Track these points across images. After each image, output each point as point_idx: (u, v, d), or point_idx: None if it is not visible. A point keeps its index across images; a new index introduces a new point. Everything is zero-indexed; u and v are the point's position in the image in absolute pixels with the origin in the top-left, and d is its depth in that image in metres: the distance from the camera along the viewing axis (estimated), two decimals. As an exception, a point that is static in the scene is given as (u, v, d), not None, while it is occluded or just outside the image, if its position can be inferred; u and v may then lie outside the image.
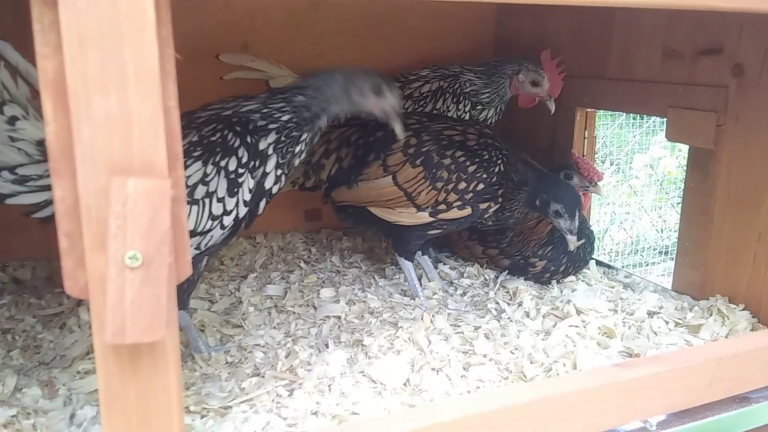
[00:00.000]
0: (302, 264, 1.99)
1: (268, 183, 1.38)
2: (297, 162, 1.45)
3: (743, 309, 1.60)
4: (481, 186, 1.67)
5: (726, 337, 1.52)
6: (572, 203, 1.65)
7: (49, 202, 1.19)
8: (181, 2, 0.73)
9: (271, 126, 1.38)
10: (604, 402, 1.07)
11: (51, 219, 1.19)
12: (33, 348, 1.44)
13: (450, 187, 1.66)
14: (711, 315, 1.60)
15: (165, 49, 0.65)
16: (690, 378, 1.15)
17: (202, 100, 1.88)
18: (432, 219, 1.70)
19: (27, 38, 0.64)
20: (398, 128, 1.52)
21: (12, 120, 1.10)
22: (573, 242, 1.67)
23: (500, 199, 1.71)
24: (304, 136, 1.43)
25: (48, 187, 1.17)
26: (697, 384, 1.16)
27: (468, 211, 1.69)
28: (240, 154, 1.32)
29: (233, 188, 1.31)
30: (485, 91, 2.02)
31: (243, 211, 1.34)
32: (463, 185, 1.66)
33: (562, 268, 1.82)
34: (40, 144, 1.14)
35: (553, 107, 1.96)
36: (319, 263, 2.00)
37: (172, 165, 0.67)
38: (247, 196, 1.34)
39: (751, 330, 1.54)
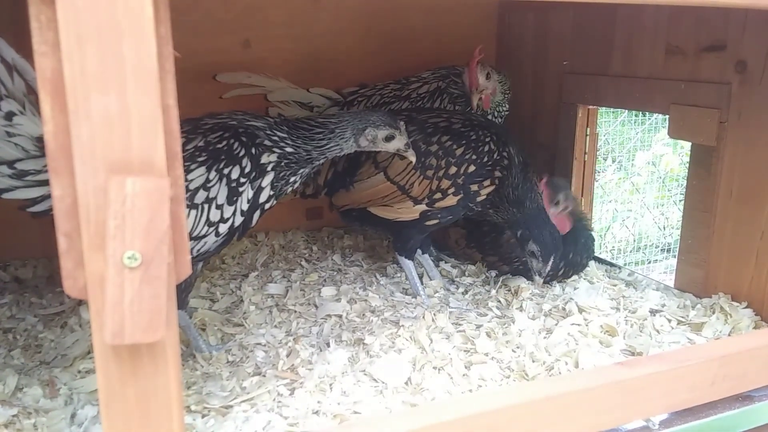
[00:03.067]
0: (303, 262, 1.98)
1: (262, 198, 1.40)
2: (289, 190, 1.47)
3: (746, 307, 1.59)
4: (472, 168, 1.64)
5: (729, 335, 1.51)
6: (550, 249, 1.63)
7: (45, 197, 1.19)
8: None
9: (275, 149, 1.40)
10: (606, 401, 1.07)
11: (45, 214, 1.20)
12: (34, 347, 1.44)
13: (441, 173, 1.64)
14: (713, 313, 1.59)
15: (164, 47, 0.65)
16: (692, 376, 1.14)
17: (203, 97, 1.88)
18: (429, 209, 1.68)
19: (25, 36, 0.63)
20: (412, 158, 1.57)
21: (9, 116, 1.10)
22: (539, 283, 1.68)
23: (497, 181, 1.67)
24: (302, 171, 1.46)
25: (45, 182, 1.17)
26: (700, 382, 1.15)
27: (461, 195, 1.67)
28: (243, 164, 1.34)
29: (233, 197, 1.32)
30: (462, 99, 2.00)
31: (239, 220, 1.35)
32: (453, 169, 1.64)
33: (561, 272, 1.82)
34: (39, 140, 1.14)
35: (474, 102, 1.92)
36: (321, 262, 2.00)
37: (170, 164, 0.67)
38: (245, 206, 1.35)
39: (754, 328, 1.53)
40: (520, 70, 2.29)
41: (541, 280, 1.69)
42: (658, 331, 1.54)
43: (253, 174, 1.36)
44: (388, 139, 1.51)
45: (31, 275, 1.85)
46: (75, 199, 0.64)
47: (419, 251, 1.87)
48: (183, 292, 1.40)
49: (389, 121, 1.50)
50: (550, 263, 1.64)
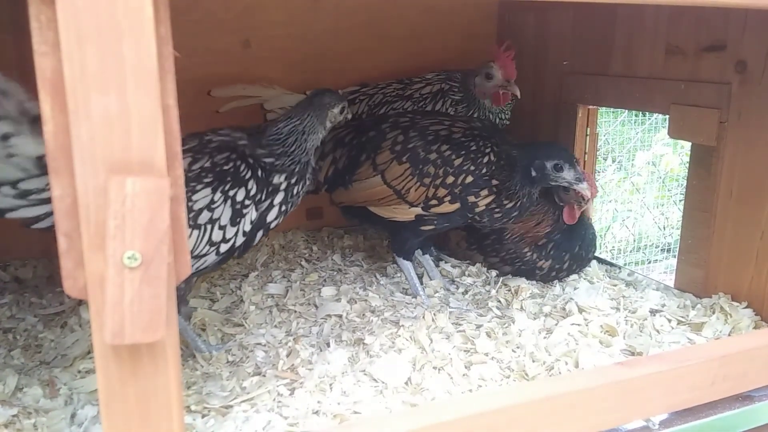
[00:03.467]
0: (303, 262, 1.98)
1: (270, 216, 1.41)
2: (298, 201, 1.51)
3: (746, 307, 1.59)
4: (470, 178, 1.64)
5: (729, 335, 1.51)
6: (564, 154, 1.64)
7: (48, 214, 1.19)
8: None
9: (279, 164, 1.44)
10: (606, 401, 1.07)
11: (49, 230, 1.20)
12: (34, 347, 1.44)
13: (438, 182, 1.64)
14: (713, 313, 1.59)
15: (164, 47, 0.65)
16: (692, 376, 1.14)
17: (203, 97, 1.88)
18: (424, 214, 1.69)
19: (25, 36, 0.63)
20: (349, 115, 1.64)
21: (5, 137, 1.09)
22: (584, 189, 1.65)
23: (494, 190, 1.66)
24: (306, 177, 1.50)
25: (48, 201, 1.17)
26: (700, 382, 1.16)
27: (458, 204, 1.66)
28: (249, 186, 1.35)
29: (236, 218, 1.33)
30: (463, 104, 2.01)
31: (240, 240, 1.36)
32: (451, 179, 1.64)
33: (566, 266, 1.82)
34: (39, 159, 1.14)
35: (516, 91, 1.92)
36: (321, 262, 2.00)
37: (170, 164, 0.67)
38: (248, 227, 1.36)
39: (754, 328, 1.53)
40: (520, 70, 2.28)
41: (585, 185, 1.64)
42: (658, 331, 1.54)
43: (259, 196, 1.37)
44: (342, 111, 1.58)
45: (31, 275, 1.85)
46: (75, 199, 0.64)
47: (419, 252, 1.87)
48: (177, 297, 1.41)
49: (336, 95, 1.56)
50: (577, 165, 1.63)
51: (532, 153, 1.66)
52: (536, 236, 1.84)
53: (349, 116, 1.64)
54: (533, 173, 1.64)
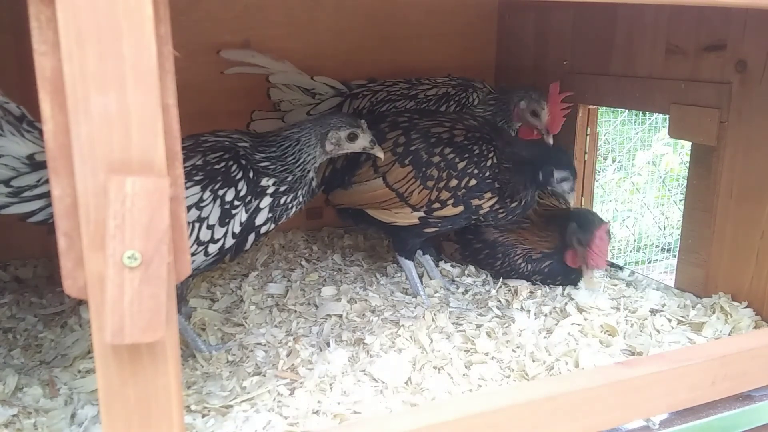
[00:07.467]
0: (304, 262, 1.98)
1: (259, 219, 1.40)
2: (292, 213, 1.49)
3: (746, 307, 1.59)
4: (473, 182, 1.64)
5: (729, 335, 1.51)
6: (572, 168, 1.70)
7: (43, 208, 1.19)
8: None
9: (272, 169, 1.41)
10: (607, 400, 1.07)
11: (44, 223, 1.20)
12: (34, 347, 1.44)
13: (441, 185, 1.64)
14: (714, 313, 1.59)
15: (163, 46, 0.64)
16: (692, 376, 1.14)
17: (203, 96, 1.88)
18: (427, 217, 1.69)
19: (25, 36, 0.63)
20: (380, 155, 1.58)
21: None
22: (572, 198, 1.73)
23: (498, 192, 1.67)
24: (299, 190, 1.47)
25: (42, 196, 1.17)
26: (700, 382, 1.15)
27: (462, 208, 1.67)
28: (239, 187, 1.34)
29: (225, 218, 1.33)
30: (494, 118, 2.00)
31: (230, 242, 1.36)
32: (454, 182, 1.64)
33: (557, 283, 1.81)
34: (28, 158, 1.14)
35: (550, 140, 1.95)
36: (321, 261, 2.00)
37: (170, 163, 0.67)
38: (237, 229, 1.36)
39: (754, 328, 1.53)
40: (520, 70, 2.29)
41: (573, 195, 1.73)
42: (658, 331, 1.54)
43: (249, 197, 1.36)
44: (352, 138, 1.51)
45: (31, 275, 1.85)
46: (75, 199, 0.64)
47: (419, 251, 1.87)
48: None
49: (349, 120, 1.50)
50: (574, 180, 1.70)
51: (544, 158, 1.69)
52: (532, 250, 1.82)
53: (381, 155, 1.57)
54: (540, 177, 1.68)
